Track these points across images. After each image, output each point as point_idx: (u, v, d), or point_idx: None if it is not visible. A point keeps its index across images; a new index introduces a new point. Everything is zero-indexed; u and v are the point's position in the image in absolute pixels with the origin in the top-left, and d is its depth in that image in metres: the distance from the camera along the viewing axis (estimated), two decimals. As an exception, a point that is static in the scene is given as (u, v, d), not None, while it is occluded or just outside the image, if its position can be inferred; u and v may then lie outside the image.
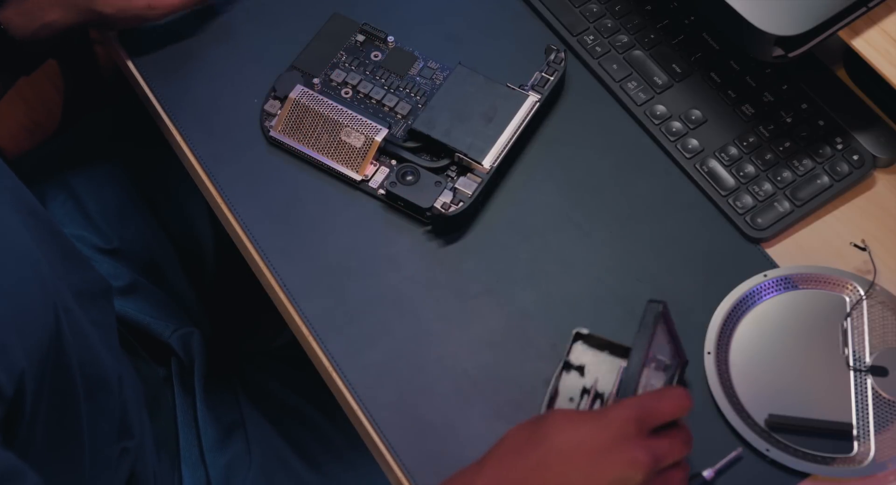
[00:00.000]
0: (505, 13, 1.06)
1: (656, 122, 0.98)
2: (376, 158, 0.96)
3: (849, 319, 0.88)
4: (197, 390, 1.02)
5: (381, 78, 1.00)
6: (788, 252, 0.92)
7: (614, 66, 1.01)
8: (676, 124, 0.97)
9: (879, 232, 0.93)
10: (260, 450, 1.02)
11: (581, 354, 0.87)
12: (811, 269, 0.90)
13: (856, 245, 0.91)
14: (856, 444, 0.83)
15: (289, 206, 0.96)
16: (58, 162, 1.15)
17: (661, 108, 0.98)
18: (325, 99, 0.97)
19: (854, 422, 0.84)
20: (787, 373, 0.87)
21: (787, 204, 0.93)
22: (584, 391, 0.85)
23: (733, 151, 0.96)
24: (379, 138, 0.95)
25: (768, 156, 0.95)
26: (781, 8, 0.87)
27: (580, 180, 0.96)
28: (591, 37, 1.02)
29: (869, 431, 0.84)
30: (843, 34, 0.89)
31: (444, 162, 0.94)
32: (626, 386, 0.77)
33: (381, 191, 0.95)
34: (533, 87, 0.96)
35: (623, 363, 0.86)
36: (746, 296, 0.89)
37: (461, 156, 0.93)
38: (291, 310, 0.92)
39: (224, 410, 1.04)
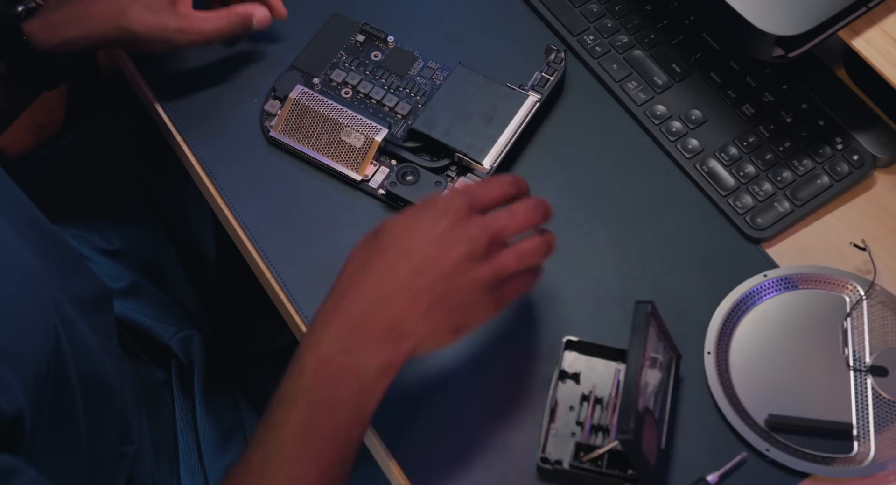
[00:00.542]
0: (505, 13, 1.06)
1: (656, 122, 0.98)
2: (376, 158, 0.95)
3: (849, 319, 0.88)
4: (196, 394, 1.02)
5: (381, 78, 1.00)
6: (788, 252, 0.92)
7: (614, 66, 1.01)
8: (676, 124, 0.97)
9: (879, 232, 0.93)
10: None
11: (574, 361, 0.87)
12: (811, 269, 0.90)
13: (856, 245, 0.91)
14: (856, 444, 0.83)
15: (289, 206, 0.96)
16: (59, 163, 1.15)
17: (661, 108, 0.98)
18: (325, 99, 0.97)
19: (854, 422, 0.84)
20: (787, 373, 0.87)
21: (787, 204, 0.93)
22: (584, 398, 0.86)
23: (733, 151, 0.96)
24: (379, 138, 0.95)
25: (768, 156, 0.95)
26: (781, 8, 0.87)
27: (580, 180, 0.96)
28: (591, 37, 1.02)
29: (869, 431, 0.83)
30: (843, 34, 0.89)
31: (444, 162, 0.94)
32: (627, 391, 0.78)
33: (381, 191, 0.95)
34: (533, 87, 0.96)
35: (618, 366, 0.86)
36: (746, 296, 0.89)
37: (461, 156, 0.93)
38: (291, 310, 0.92)
39: (223, 413, 1.04)
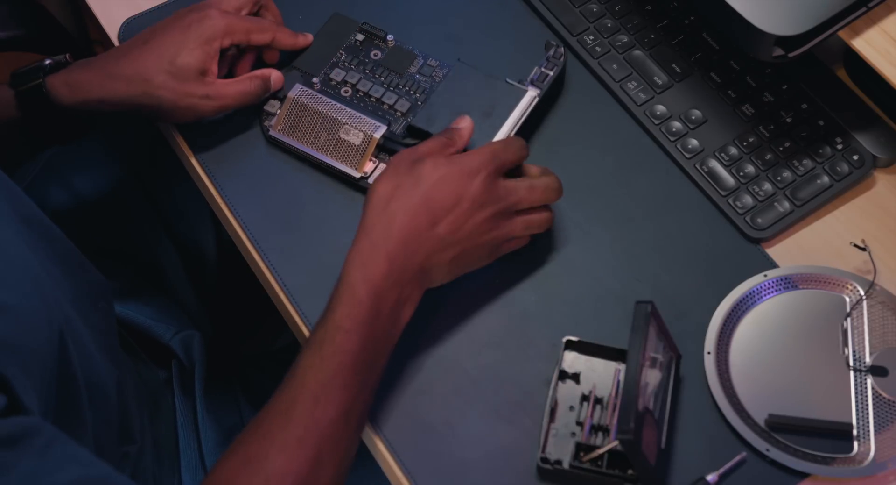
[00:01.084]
0: (505, 13, 1.06)
1: (656, 122, 0.98)
2: (375, 156, 0.95)
3: (849, 319, 0.88)
4: (197, 393, 1.02)
5: (380, 76, 1.00)
6: (788, 252, 0.92)
7: (614, 66, 1.01)
8: (676, 124, 0.97)
9: (879, 232, 0.93)
10: (260, 453, 1.02)
11: (574, 361, 0.87)
12: (811, 269, 0.90)
13: (856, 245, 0.91)
14: (856, 444, 0.83)
15: (289, 206, 0.96)
16: (59, 163, 1.15)
17: (661, 108, 0.98)
18: (324, 97, 0.97)
19: (854, 422, 0.84)
20: (787, 373, 0.87)
21: (787, 204, 0.93)
22: (584, 398, 0.86)
23: (733, 151, 0.96)
24: (377, 135, 0.95)
25: (768, 156, 0.95)
26: (781, 8, 0.87)
27: (580, 180, 0.96)
28: (591, 37, 1.02)
29: (869, 431, 0.83)
30: (843, 34, 0.89)
31: None
32: (627, 391, 0.78)
33: None
34: (532, 83, 0.96)
35: (618, 366, 0.86)
36: (746, 296, 0.89)
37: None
38: (291, 310, 0.92)
39: (224, 413, 1.04)
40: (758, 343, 0.88)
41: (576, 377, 0.86)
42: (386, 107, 0.98)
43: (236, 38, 0.95)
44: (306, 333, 0.91)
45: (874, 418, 0.84)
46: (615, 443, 0.80)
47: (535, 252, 0.93)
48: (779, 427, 0.84)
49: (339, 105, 0.96)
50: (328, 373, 0.78)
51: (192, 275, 1.16)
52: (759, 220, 0.93)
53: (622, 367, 0.86)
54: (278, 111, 0.98)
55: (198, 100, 0.93)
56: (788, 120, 0.97)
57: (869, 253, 0.91)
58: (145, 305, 1.08)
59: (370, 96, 0.99)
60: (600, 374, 0.87)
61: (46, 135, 0.96)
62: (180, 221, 1.16)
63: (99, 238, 1.10)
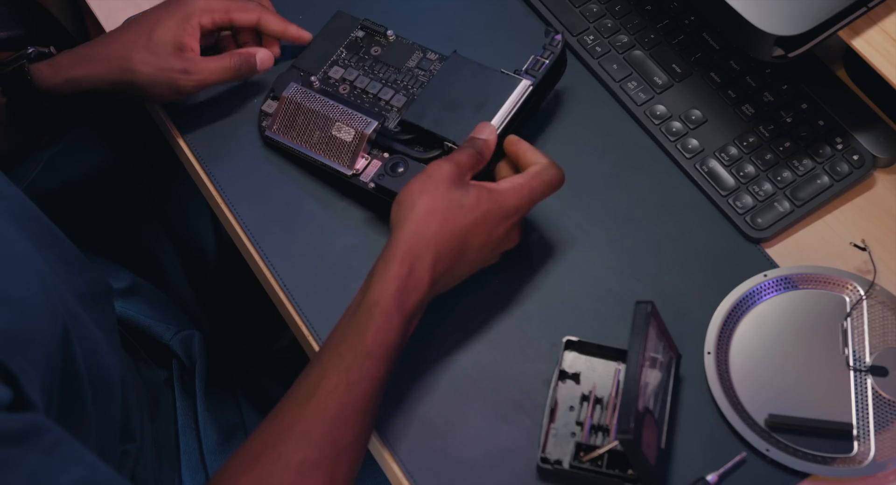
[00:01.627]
0: (505, 13, 1.06)
1: (656, 122, 0.98)
2: (368, 152, 0.94)
3: (849, 319, 0.88)
4: (198, 393, 1.02)
5: (378, 72, 0.99)
6: (788, 252, 0.92)
7: (614, 66, 1.01)
8: (676, 124, 0.97)
9: (879, 232, 0.93)
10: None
11: (574, 361, 0.87)
12: (811, 269, 0.90)
13: (856, 245, 0.91)
14: (856, 444, 0.83)
15: (289, 206, 0.96)
16: (59, 162, 1.15)
17: (661, 108, 0.98)
18: (318, 96, 0.96)
19: (854, 422, 0.84)
20: (787, 373, 0.87)
21: (787, 204, 0.93)
22: (584, 398, 0.86)
23: (733, 151, 0.96)
24: (368, 131, 0.93)
25: (768, 156, 0.95)
26: (781, 8, 0.87)
27: (580, 180, 0.96)
28: (591, 37, 1.02)
29: (869, 431, 0.83)
30: (843, 34, 0.89)
31: (436, 152, 0.93)
32: (627, 391, 0.78)
33: (371, 184, 0.93)
34: (527, 72, 0.94)
35: (618, 366, 0.86)
36: (746, 296, 0.89)
37: (450, 145, 0.92)
38: (291, 310, 0.92)
39: (224, 412, 1.04)
40: (758, 343, 0.88)
41: (576, 377, 0.86)
42: (382, 102, 0.97)
43: (217, 17, 0.97)
44: (306, 333, 0.91)
45: (874, 418, 0.84)
46: (615, 443, 0.80)
47: (535, 252, 0.93)
48: (779, 427, 0.84)
49: (332, 103, 0.95)
50: (352, 398, 0.78)
51: (192, 275, 1.16)
52: (759, 220, 0.93)
53: (622, 367, 0.86)
54: (275, 112, 0.97)
55: (176, 74, 0.94)
56: (788, 120, 0.97)
57: (869, 253, 0.91)
58: (146, 304, 1.08)
59: (367, 93, 0.98)
60: (600, 374, 0.87)
61: (34, 124, 0.96)
62: (180, 221, 1.16)
63: (99, 238, 1.10)
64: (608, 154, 0.98)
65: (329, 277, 0.93)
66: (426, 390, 0.88)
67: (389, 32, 1.01)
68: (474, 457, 0.85)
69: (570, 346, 0.87)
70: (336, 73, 0.99)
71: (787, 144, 0.96)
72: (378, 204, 0.95)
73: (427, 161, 0.92)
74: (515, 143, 0.90)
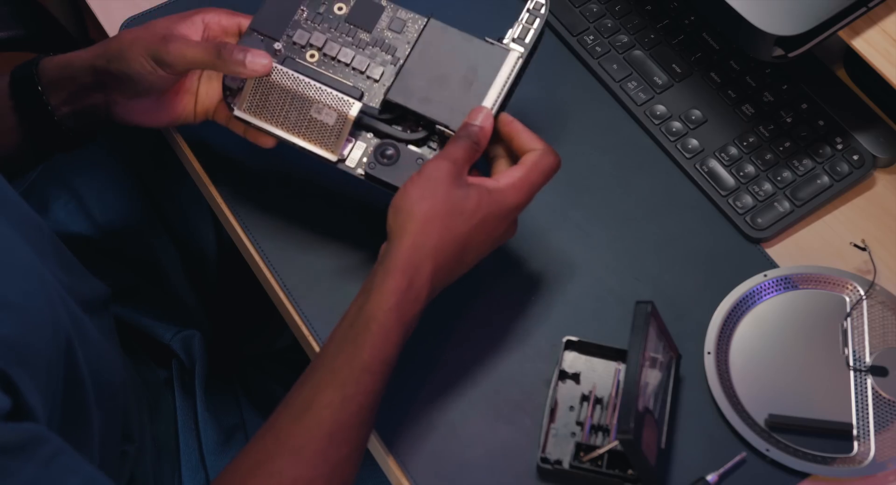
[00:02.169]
0: (504, 13, 1.05)
1: (656, 122, 0.98)
2: (350, 133, 0.87)
3: (849, 319, 0.88)
4: (198, 393, 1.02)
5: (347, 36, 0.89)
6: (788, 252, 0.92)
7: (614, 66, 1.01)
8: (676, 124, 0.97)
9: (879, 232, 0.93)
10: (260, 453, 1.02)
11: (574, 361, 0.87)
12: (811, 269, 0.90)
13: (856, 245, 0.91)
14: (856, 444, 0.83)
15: (289, 206, 0.96)
16: (60, 163, 1.15)
17: (661, 108, 0.98)
18: (289, 70, 0.87)
19: (854, 422, 0.84)
20: (787, 373, 0.87)
21: (787, 204, 0.93)
22: (584, 398, 0.86)
23: (733, 151, 0.96)
24: (353, 113, 0.86)
25: (768, 156, 0.95)
26: (781, 8, 0.87)
27: (580, 180, 0.96)
28: (591, 37, 1.02)
29: (869, 431, 0.83)
30: (843, 34, 0.89)
31: (424, 133, 0.87)
32: (627, 391, 0.78)
33: (360, 171, 0.87)
34: (514, 41, 0.87)
35: (618, 366, 0.86)
36: (746, 296, 0.89)
37: (443, 129, 0.86)
38: (291, 310, 0.92)
39: (225, 412, 1.04)
40: (758, 343, 0.88)
41: (576, 377, 0.86)
42: (358, 73, 0.89)
43: (224, 20, 0.91)
44: (306, 332, 0.91)
45: (874, 418, 0.84)
46: (615, 443, 0.80)
47: (535, 252, 0.93)
48: (779, 427, 0.84)
49: (306, 80, 0.86)
50: (348, 413, 0.77)
51: (192, 275, 1.16)
52: (759, 220, 0.93)
53: (622, 367, 0.86)
54: (242, 87, 0.88)
55: (156, 43, 0.86)
56: (788, 120, 0.97)
57: (869, 253, 0.91)
58: (146, 304, 1.08)
59: (339, 60, 0.89)
60: (600, 374, 0.87)
61: (41, 131, 0.94)
62: (181, 221, 1.16)
63: (99, 238, 1.10)
64: (608, 154, 0.98)
65: (329, 277, 0.93)
66: (426, 389, 0.88)
67: None
68: (474, 457, 0.85)
69: (570, 346, 0.87)
70: (301, 37, 0.89)
71: (787, 144, 0.96)
72: (379, 204, 0.95)
73: (415, 142, 0.87)
74: (509, 124, 0.86)
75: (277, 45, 0.90)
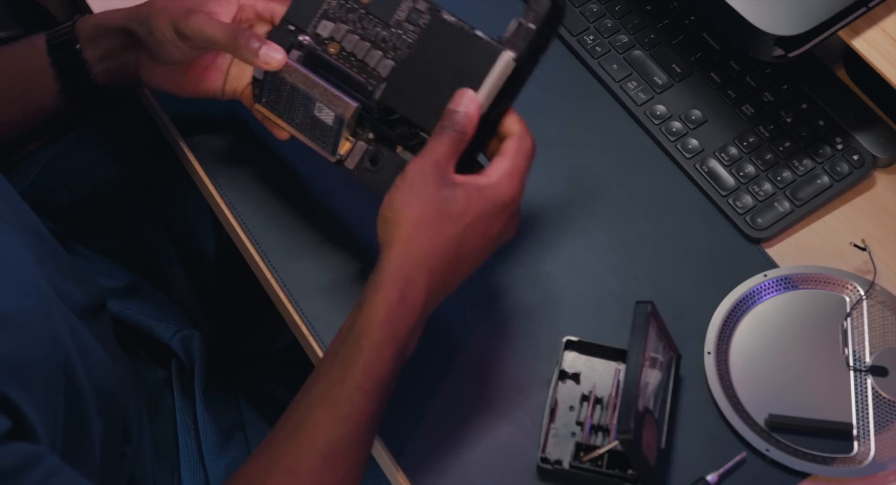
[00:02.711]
0: (504, 13, 1.05)
1: (656, 122, 0.98)
2: (353, 134, 0.85)
3: (849, 319, 0.88)
4: (197, 393, 1.02)
5: (367, 26, 0.86)
6: (788, 252, 0.92)
7: (614, 66, 1.01)
8: (676, 124, 0.97)
9: (879, 232, 0.93)
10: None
11: (574, 361, 0.87)
12: (811, 269, 0.90)
13: (856, 245, 0.91)
14: (856, 444, 0.83)
15: (289, 205, 0.96)
16: (59, 162, 1.15)
17: (661, 109, 0.98)
18: (300, 66, 0.85)
19: (854, 422, 0.84)
20: (787, 373, 0.87)
21: (787, 204, 0.93)
22: (584, 398, 0.86)
23: (733, 151, 0.96)
24: (347, 115, 0.84)
25: (768, 156, 0.95)
26: (781, 8, 0.87)
27: (580, 180, 0.96)
28: (591, 37, 1.02)
29: (869, 431, 0.83)
30: (843, 34, 0.89)
31: (421, 139, 0.83)
32: (627, 391, 0.78)
33: (357, 173, 0.86)
34: (508, 41, 0.80)
35: (618, 366, 0.86)
36: (746, 296, 0.89)
37: (426, 136, 0.83)
38: (291, 310, 0.92)
39: (224, 412, 1.04)
40: (758, 343, 0.88)
41: (576, 377, 0.86)
42: (369, 69, 0.85)
43: (259, 5, 0.90)
44: (306, 332, 0.91)
45: (874, 418, 0.84)
46: (615, 443, 0.80)
47: (535, 252, 0.93)
48: (779, 427, 0.84)
49: (313, 78, 0.85)
50: (341, 433, 0.75)
51: (191, 274, 1.16)
52: (759, 220, 0.93)
53: (622, 367, 0.86)
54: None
55: (180, 14, 0.86)
56: (788, 120, 0.97)
57: (869, 253, 0.91)
58: (146, 304, 1.08)
59: (354, 56, 0.86)
60: (600, 374, 0.87)
61: (76, 88, 0.93)
62: (181, 220, 1.16)
63: (99, 237, 1.10)
64: (608, 154, 0.98)
65: (329, 277, 0.93)
66: (426, 389, 0.88)
67: None
68: (474, 457, 0.85)
69: (570, 346, 0.87)
70: (325, 28, 0.87)
71: (787, 144, 0.96)
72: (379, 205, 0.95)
73: (411, 147, 0.84)
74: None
75: (304, 38, 0.88)
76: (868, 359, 0.86)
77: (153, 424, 0.99)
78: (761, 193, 0.94)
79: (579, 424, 0.84)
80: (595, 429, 0.84)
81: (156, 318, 1.06)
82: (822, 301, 0.89)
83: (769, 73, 0.99)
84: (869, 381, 0.85)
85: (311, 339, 0.91)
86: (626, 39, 1.02)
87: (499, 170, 0.79)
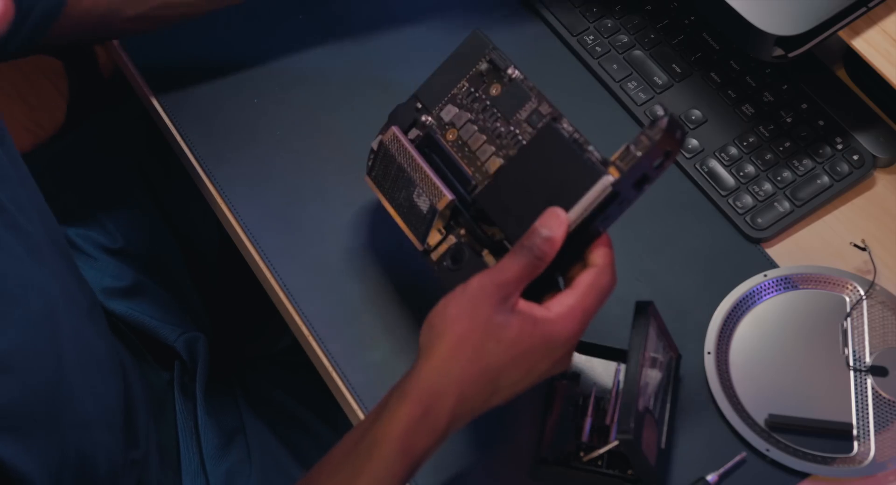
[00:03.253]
0: (504, 13, 1.05)
1: (656, 122, 0.98)
2: (445, 226, 0.81)
3: (849, 319, 0.88)
4: (198, 396, 1.02)
5: (487, 120, 0.82)
6: (788, 252, 0.92)
7: (614, 66, 1.01)
8: (676, 124, 0.97)
9: (879, 232, 0.93)
10: (260, 456, 1.01)
11: (574, 361, 0.87)
12: (811, 269, 0.90)
13: (856, 245, 0.91)
14: (856, 444, 0.83)
15: (289, 205, 0.96)
16: (61, 162, 1.15)
17: (661, 109, 0.98)
18: (409, 148, 0.83)
19: (854, 422, 0.84)
20: (787, 373, 0.87)
21: (787, 204, 0.93)
22: (584, 398, 0.86)
23: (733, 151, 0.96)
24: (441, 207, 0.80)
25: (768, 156, 0.95)
26: (781, 8, 0.87)
27: (580, 180, 0.96)
28: (591, 37, 1.02)
29: (869, 431, 0.83)
30: (843, 34, 0.89)
31: (506, 249, 0.78)
32: (627, 391, 0.78)
33: (437, 268, 0.82)
34: (615, 165, 0.74)
35: (618, 366, 0.86)
36: (746, 296, 0.89)
37: (509, 246, 0.78)
38: (292, 311, 0.92)
39: (225, 415, 1.03)
40: (758, 343, 0.88)
41: (576, 377, 0.86)
42: (478, 163, 0.82)
43: None
44: (306, 333, 0.91)
45: (874, 418, 0.84)
46: (615, 443, 0.80)
47: (535, 252, 0.93)
48: (779, 427, 0.84)
49: (419, 162, 0.82)
50: (408, 463, 0.71)
51: (194, 276, 1.16)
52: (759, 220, 0.93)
53: (622, 367, 0.86)
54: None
55: None
56: (788, 120, 0.97)
57: (869, 253, 0.91)
58: (151, 304, 1.08)
59: (467, 146, 0.82)
60: (600, 374, 0.87)
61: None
62: (183, 220, 1.16)
63: (100, 237, 1.10)
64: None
65: (329, 278, 0.93)
66: (426, 390, 0.88)
67: (510, 70, 0.82)
68: (474, 457, 0.85)
69: (570, 346, 0.87)
70: (448, 113, 0.84)
71: (787, 144, 0.96)
72: (379, 205, 0.95)
73: (497, 254, 0.79)
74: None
75: (426, 118, 0.85)
76: (868, 359, 0.86)
77: (157, 427, 0.99)
78: (761, 193, 0.94)
79: (579, 424, 0.84)
80: (595, 429, 0.84)
81: (161, 319, 1.06)
82: (822, 301, 0.89)
83: (769, 73, 0.99)
84: (869, 381, 0.85)
85: (311, 339, 0.91)
86: (626, 39, 1.02)
87: (562, 305, 0.72)
